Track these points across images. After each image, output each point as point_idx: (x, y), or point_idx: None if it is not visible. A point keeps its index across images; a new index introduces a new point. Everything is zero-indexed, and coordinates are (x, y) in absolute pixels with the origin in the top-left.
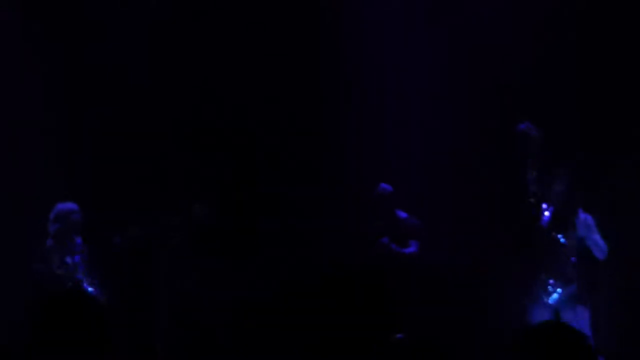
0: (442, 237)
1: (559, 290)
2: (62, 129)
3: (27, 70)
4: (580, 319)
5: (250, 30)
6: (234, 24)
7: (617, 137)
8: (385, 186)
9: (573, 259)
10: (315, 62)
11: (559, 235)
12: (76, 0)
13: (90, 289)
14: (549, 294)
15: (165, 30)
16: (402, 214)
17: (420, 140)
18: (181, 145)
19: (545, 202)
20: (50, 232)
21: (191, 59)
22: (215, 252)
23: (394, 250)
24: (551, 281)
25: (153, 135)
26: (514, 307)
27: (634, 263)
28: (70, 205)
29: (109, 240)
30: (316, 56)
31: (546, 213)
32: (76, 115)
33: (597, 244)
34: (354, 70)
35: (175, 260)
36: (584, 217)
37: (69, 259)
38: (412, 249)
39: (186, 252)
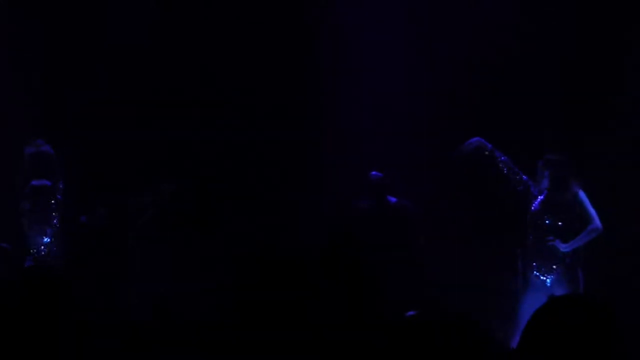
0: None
1: (548, 274)
2: (32, 110)
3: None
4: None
5: (229, 26)
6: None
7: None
8: (375, 173)
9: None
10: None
11: (547, 220)
12: None
13: (55, 265)
14: (541, 276)
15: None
16: (392, 199)
17: (406, 128)
18: (151, 127)
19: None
20: (24, 208)
21: (173, 51)
22: (182, 232)
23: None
24: (535, 264)
25: (123, 117)
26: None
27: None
28: (44, 181)
29: (76, 220)
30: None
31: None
32: (48, 98)
33: (593, 218)
34: (333, 62)
35: (142, 239)
36: (579, 192)
37: (39, 236)
38: None
39: (153, 232)
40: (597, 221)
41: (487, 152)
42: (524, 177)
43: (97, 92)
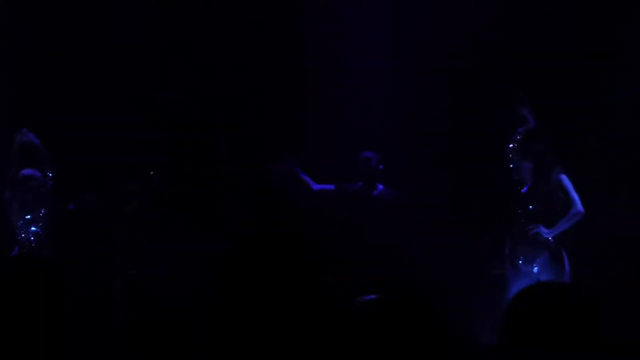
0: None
1: (534, 261)
2: (20, 97)
3: None
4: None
5: (229, 26)
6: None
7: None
8: (367, 154)
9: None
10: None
11: (531, 207)
12: None
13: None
14: (527, 263)
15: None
16: (380, 186)
17: (397, 114)
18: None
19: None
20: (12, 197)
21: (173, 51)
22: (171, 219)
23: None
24: (521, 251)
25: (112, 105)
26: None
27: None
28: (31, 171)
29: (64, 207)
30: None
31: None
32: (35, 84)
33: (575, 202)
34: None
35: (131, 227)
36: (562, 177)
37: (28, 226)
38: None
39: (142, 219)
40: (579, 205)
41: (524, 129)
42: (527, 165)
43: (94, 90)
